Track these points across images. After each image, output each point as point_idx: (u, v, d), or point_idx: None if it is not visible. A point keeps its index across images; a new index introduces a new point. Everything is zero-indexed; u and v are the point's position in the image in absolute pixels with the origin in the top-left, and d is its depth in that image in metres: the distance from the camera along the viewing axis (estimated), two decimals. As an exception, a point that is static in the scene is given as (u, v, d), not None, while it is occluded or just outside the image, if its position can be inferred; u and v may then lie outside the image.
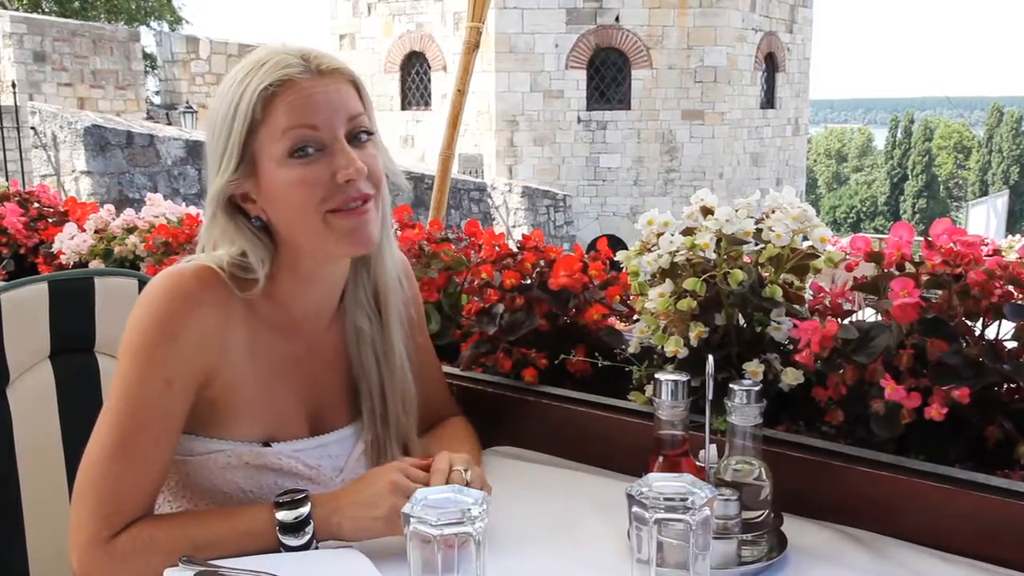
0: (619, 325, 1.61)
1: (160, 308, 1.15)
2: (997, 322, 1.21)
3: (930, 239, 1.26)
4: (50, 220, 2.72)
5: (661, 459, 1.14)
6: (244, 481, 1.22)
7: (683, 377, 1.14)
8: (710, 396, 1.12)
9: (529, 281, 1.60)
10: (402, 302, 1.35)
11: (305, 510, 1.12)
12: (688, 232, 1.35)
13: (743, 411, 1.11)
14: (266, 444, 1.22)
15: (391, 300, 1.32)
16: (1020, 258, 1.20)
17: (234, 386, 1.20)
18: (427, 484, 1.12)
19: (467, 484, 1.14)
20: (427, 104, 17.58)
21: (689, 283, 1.30)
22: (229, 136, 1.16)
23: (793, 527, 1.18)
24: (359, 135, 1.19)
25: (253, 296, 1.20)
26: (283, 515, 1.12)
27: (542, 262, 1.63)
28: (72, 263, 2.45)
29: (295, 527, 1.12)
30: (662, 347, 1.35)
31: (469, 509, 0.92)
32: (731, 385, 1.12)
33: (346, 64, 1.21)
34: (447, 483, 1.14)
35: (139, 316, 1.16)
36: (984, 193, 40.44)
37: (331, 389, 1.31)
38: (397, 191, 1.30)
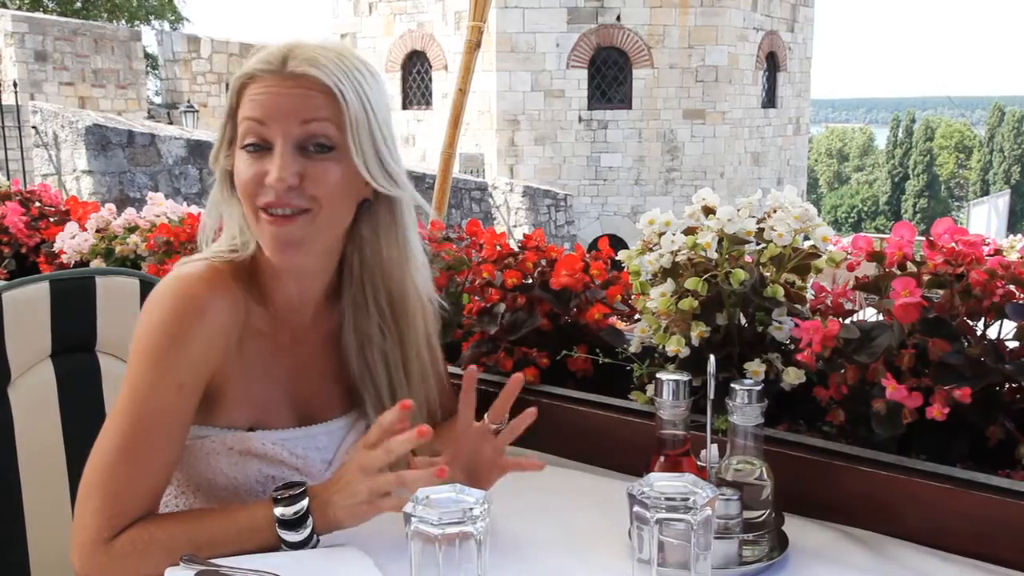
0: (620, 325, 1.60)
1: (170, 312, 1.15)
2: (999, 322, 1.21)
3: (932, 239, 1.26)
4: (51, 219, 2.72)
5: (662, 458, 1.14)
6: (229, 468, 1.22)
7: (684, 377, 1.14)
8: (711, 396, 1.12)
9: (531, 280, 1.60)
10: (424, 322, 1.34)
11: (304, 504, 1.12)
12: (690, 231, 1.35)
13: (744, 411, 1.11)
14: (250, 430, 1.23)
15: (409, 317, 1.31)
16: (1022, 258, 1.20)
17: (226, 377, 1.21)
18: (387, 451, 1.10)
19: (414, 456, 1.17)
20: (428, 103, 17.57)
21: (691, 283, 1.30)
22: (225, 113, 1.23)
23: (794, 527, 1.18)
24: (315, 145, 1.16)
25: (244, 259, 1.23)
26: (281, 511, 1.11)
27: (543, 262, 1.63)
28: (73, 262, 2.45)
29: (294, 522, 1.11)
30: (663, 347, 1.35)
31: (471, 508, 0.92)
32: (732, 385, 1.12)
33: (333, 71, 1.15)
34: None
35: (149, 320, 1.16)
36: (985, 193, 40.41)
37: (319, 382, 1.31)
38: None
